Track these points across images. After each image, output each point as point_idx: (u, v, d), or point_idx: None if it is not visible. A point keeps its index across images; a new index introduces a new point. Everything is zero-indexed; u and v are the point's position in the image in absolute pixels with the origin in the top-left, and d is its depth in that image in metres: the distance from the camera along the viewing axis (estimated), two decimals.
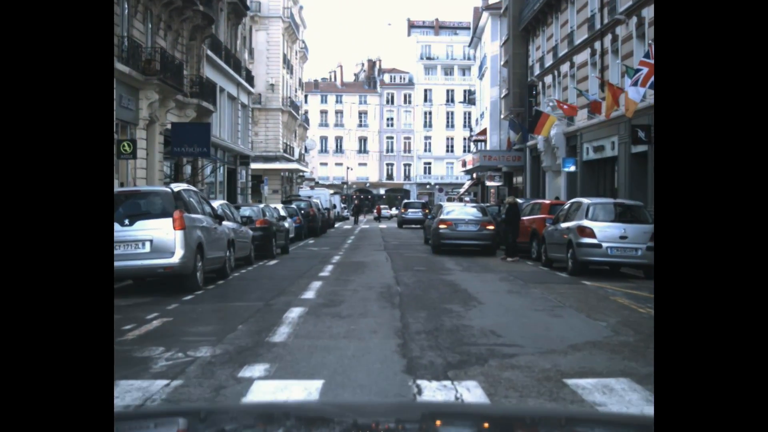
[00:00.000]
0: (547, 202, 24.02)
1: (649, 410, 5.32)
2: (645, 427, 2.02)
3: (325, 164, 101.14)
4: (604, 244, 16.58)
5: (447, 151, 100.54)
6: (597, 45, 30.95)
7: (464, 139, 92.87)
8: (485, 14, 57.93)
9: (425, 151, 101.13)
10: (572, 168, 32.62)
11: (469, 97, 76.33)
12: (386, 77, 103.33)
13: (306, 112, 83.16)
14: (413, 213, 49.33)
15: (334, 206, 59.61)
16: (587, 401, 5.79)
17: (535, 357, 7.45)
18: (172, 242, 12.84)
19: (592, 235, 16.72)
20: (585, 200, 18.41)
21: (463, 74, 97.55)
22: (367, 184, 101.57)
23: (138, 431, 2.12)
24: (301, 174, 70.96)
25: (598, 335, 8.91)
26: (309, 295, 12.71)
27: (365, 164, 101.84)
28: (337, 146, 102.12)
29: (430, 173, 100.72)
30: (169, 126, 28.40)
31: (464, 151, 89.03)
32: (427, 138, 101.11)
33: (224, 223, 16.20)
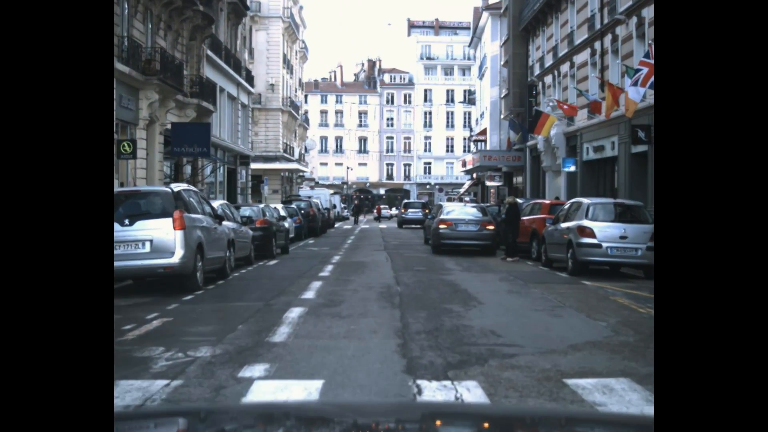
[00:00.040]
0: (547, 202, 24.02)
1: (649, 410, 5.32)
2: (645, 427, 2.02)
3: (325, 164, 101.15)
4: (604, 244, 16.58)
5: (447, 151, 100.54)
6: (597, 45, 30.95)
7: (464, 139, 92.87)
8: (485, 14, 57.94)
9: (425, 151, 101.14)
10: (572, 168, 32.62)
11: (469, 97, 76.33)
12: (386, 77, 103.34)
13: (306, 112, 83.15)
14: (413, 213, 49.32)
15: (334, 206, 59.59)
16: (587, 401, 5.79)
17: (535, 357, 7.45)
18: (172, 242, 12.84)
19: (592, 235, 16.72)
20: (585, 200, 18.41)
21: (463, 74, 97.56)
22: (367, 184, 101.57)
23: (138, 431, 2.12)
24: (301, 174, 70.95)
25: (598, 335, 8.91)
26: (309, 295, 12.71)
27: (365, 164, 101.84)
28: (337, 146, 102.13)
29: (430, 173, 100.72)
30: (169, 126, 28.40)
31: (464, 151, 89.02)
32: (427, 138, 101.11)
33: (224, 223, 16.20)
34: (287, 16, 59.90)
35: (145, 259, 12.78)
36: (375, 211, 75.43)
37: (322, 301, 11.80)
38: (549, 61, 38.98)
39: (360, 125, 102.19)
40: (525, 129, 41.01)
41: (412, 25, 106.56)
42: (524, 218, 22.76)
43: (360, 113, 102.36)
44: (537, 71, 41.64)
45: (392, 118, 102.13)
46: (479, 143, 61.45)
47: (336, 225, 54.12)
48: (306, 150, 78.00)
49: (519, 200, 28.17)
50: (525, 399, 5.90)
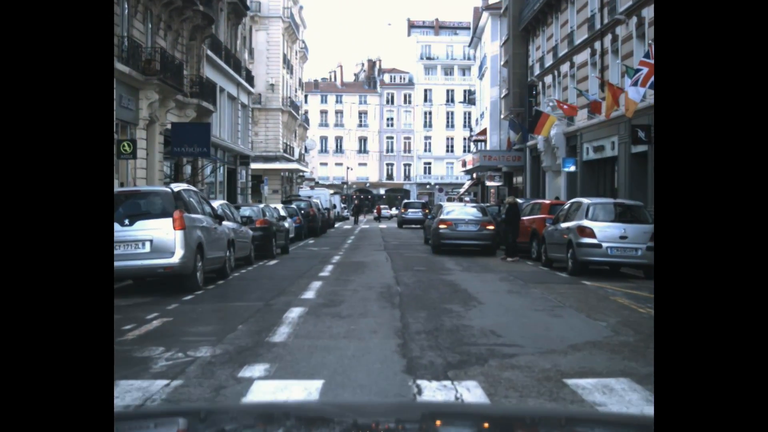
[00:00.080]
0: (547, 202, 24.02)
1: (649, 410, 5.32)
2: (645, 427, 2.02)
3: (325, 164, 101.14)
4: (604, 244, 16.58)
5: (447, 151, 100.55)
6: (597, 45, 30.95)
7: (464, 139, 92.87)
8: (485, 14, 57.94)
9: (425, 151, 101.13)
10: (572, 168, 32.61)
11: (469, 97, 76.33)
12: (386, 77, 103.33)
13: (306, 112, 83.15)
14: (413, 213, 49.30)
15: (334, 206, 59.59)
16: (587, 401, 5.79)
17: (535, 357, 7.45)
18: (172, 242, 12.84)
19: (592, 235, 16.72)
20: (585, 200, 18.40)
21: (463, 74, 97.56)
22: (367, 184, 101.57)
23: (138, 431, 2.12)
24: (301, 174, 70.95)
25: (598, 335, 8.91)
26: (309, 295, 12.71)
27: (365, 164, 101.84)
28: (337, 146, 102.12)
29: (430, 173, 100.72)
30: (169, 126, 28.40)
31: (464, 151, 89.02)
32: (427, 138, 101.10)
33: (224, 223, 16.19)
34: (287, 16, 59.90)
35: (145, 259, 12.78)
36: (375, 211, 75.42)
37: (322, 301, 11.80)
38: (549, 61, 38.98)
39: (360, 125, 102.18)
40: (525, 129, 41.00)
41: (412, 25, 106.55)
42: (524, 218, 22.76)
43: (360, 113, 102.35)
44: (537, 71, 41.63)
45: (392, 118, 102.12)
46: (479, 143, 61.46)
47: (336, 225, 54.12)
48: (306, 150, 77.98)
49: (519, 200, 28.17)
50: (525, 399, 5.89)
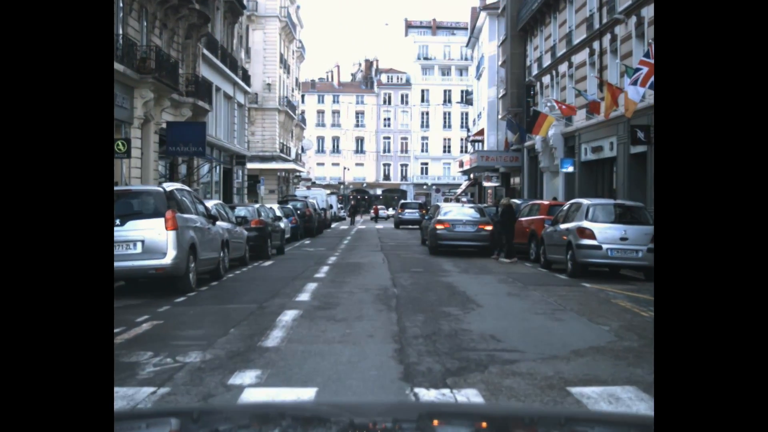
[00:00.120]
0: (546, 203, 23.79)
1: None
2: (645, 427, 2.00)
3: (322, 164, 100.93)
4: (604, 246, 16.34)
5: (444, 151, 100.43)
6: (596, 45, 30.73)
7: (461, 139, 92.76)
8: (483, 14, 57.71)
9: (422, 151, 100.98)
10: (570, 169, 32.40)
11: (467, 98, 76.14)
12: (383, 77, 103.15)
13: (303, 111, 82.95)
14: (410, 213, 49.09)
15: (331, 206, 59.42)
16: (593, 411, 5.53)
17: (536, 363, 7.20)
18: (164, 243, 12.58)
19: (591, 236, 16.48)
20: (585, 201, 18.16)
21: (461, 74, 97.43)
22: (364, 185, 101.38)
23: (131, 431, 2.06)
24: (297, 174, 70.74)
25: (601, 340, 8.66)
26: (304, 297, 12.45)
27: (362, 164, 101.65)
28: (333, 146, 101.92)
29: (427, 174, 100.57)
30: (164, 125, 28.17)
31: (461, 151, 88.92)
32: (424, 138, 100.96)
33: (218, 223, 15.94)
34: (284, 15, 59.69)
35: (137, 259, 12.51)
36: (372, 211, 75.16)
37: (317, 304, 11.54)
38: (547, 61, 38.77)
39: (357, 125, 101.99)
40: (523, 129, 40.81)
41: (409, 25, 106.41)
42: (522, 219, 22.55)
43: (357, 113, 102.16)
44: (535, 71, 41.43)
45: (389, 119, 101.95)
46: (476, 144, 61.25)
47: (332, 225, 53.89)
48: (303, 150, 77.79)
49: (516, 201, 27.97)
50: None
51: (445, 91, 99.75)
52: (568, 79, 35.04)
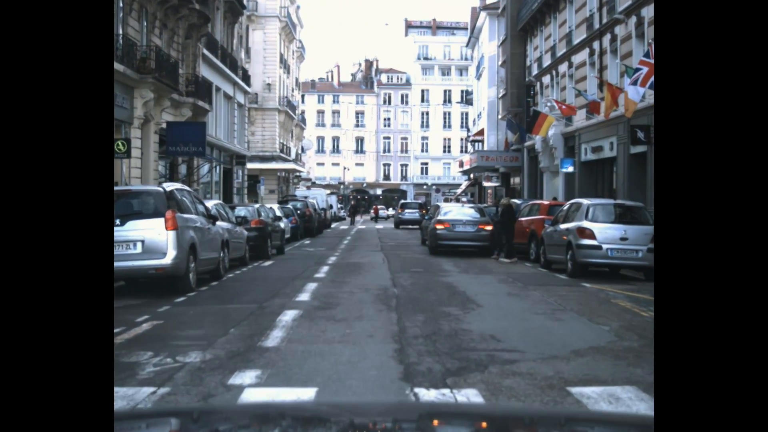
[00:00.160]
0: (546, 203, 23.78)
1: None
2: (645, 426, 2.00)
3: (322, 164, 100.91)
4: (604, 246, 16.34)
5: (444, 151, 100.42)
6: (596, 45, 30.72)
7: (461, 139, 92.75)
8: (483, 14, 57.69)
9: (422, 151, 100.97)
10: (570, 169, 32.39)
11: (467, 98, 76.12)
12: (383, 77, 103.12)
13: (303, 112, 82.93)
14: (410, 213, 49.06)
15: (331, 206, 59.39)
16: (593, 411, 5.53)
17: (536, 363, 7.20)
18: (164, 243, 12.57)
19: (591, 236, 16.47)
20: (585, 201, 18.15)
21: (461, 74, 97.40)
22: (364, 185, 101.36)
23: (131, 431, 2.06)
24: (297, 174, 70.71)
25: (601, 340, 8.66)
26: (304, 297, 12.44)
27: (362, 164, 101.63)
28: (333, 146, 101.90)
29: (427, 174, 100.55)
30: (164, 125, 28.15)
31: (461, 151, 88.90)
32: (424, 138, 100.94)
33: (218, 223, 15.93)
34: (284, 15, 59.67)
35: (137, 259, 12.50)
36: (372, 211, 75.14)
37: (317, 304, 11.54)
38: (547, 61, 38.76)
39: (357, 125, 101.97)
40: (523, 129, 40.78)
41: (409, 25, 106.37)
42: (522, 219, 22.54)
43: (357, 113, 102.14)
44: (535, 71, 41.42)
45: (389, 119, 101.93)
46: (476, 144, 61.24)
47: (332, 225, 53.88)
48: (303, 150, 77.77)
49: (517, 201, 27.96)
50: None
51: (445, 91, 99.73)
52: (568, 79, 35.03)
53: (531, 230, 21.31)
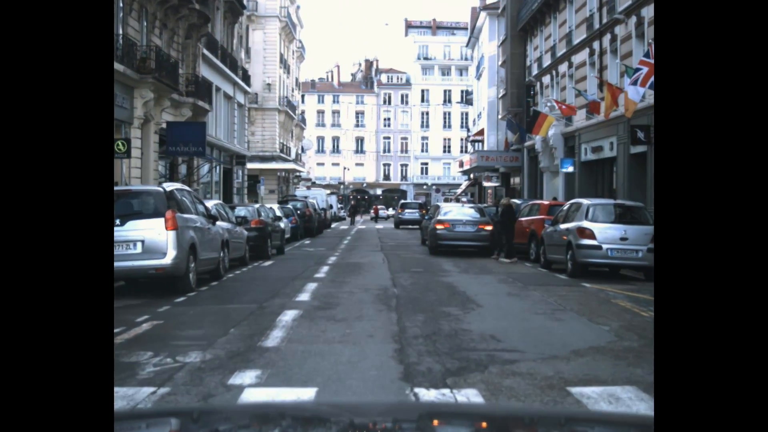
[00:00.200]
0: (546, 203, 23.77)
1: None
2: (645, 426, 2.00)
3: (322, 164, 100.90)
4: (604, 246, 16.33)
5: (444, 151, 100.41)
6: (596, 45, 30.72)
7: (461, 139, 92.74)
8: (483, 14, 57.70)
9: (422, 151, 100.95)
10: (570, 169, 32.38)
11: (467, 98, 76.12)
12: (383, 77, 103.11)
13: (303, 112, 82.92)
14: (410, 213, 49.05)
15: (331, 206, 59.38)
16: (593, 411, 5.53)
17: (536, 363, 7.20)
18: (164, 243, 12.57)
19: (591, 236, 16.47)
20: (585, 201, 18.15)
21: (461, 74, 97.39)
22: (364, 185, 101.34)
23: (131, 431, 2.06)
24: (297, 174, 70.70)
25: (601, 340, 8.66)
26: (304, 297, 12.44)
27: (362, 164, 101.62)
28: (333, 146, 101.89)
29: (427, 174, 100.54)
30: (164, 125, 28.15)
31: (461, 151, 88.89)
32: (424, 138, 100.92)
33: (218, 223, 15.93)
34: (284, 15, 59.67)
35: (137, 259, 12.50)
36: (372, 211, 75.15)
37: (317, 304, 11.54)
38: (547, 61, 38.75)
39: (357, 125, 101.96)
40: (523, 129, 40.78)
41: (409, 25, 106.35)
42: (522, 219, 22.54)
43: (357, 113, 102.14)
44: (535, 71, 41.41)
45: (389, 119, 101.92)
46: (476, 144, 61.24)
47: (332, 225, 53.87)
48: (303, 150, 77.76)
49: (517, 201, 27.95)
50: None
51: (445, 91, 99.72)
52: (568, 79, 35.02)
53: (531, 230, 21.31)
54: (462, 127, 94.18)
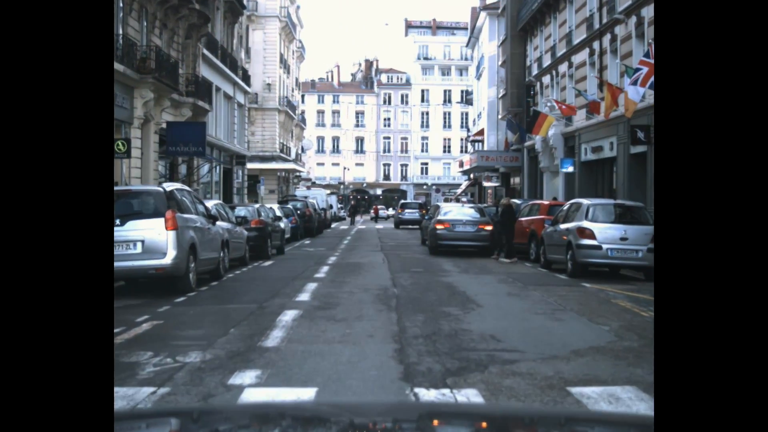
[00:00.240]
0: (546, 202, 23.77)
1: None
2: (645, 426, 2.00)
3: (322, 164, 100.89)
4: (605, 246, 16.33)
5: (444, 151, 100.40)
6: (596, 45, 30.72)
7: (461, 139, 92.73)
8: (483, 14, 57.69)
9: (422, 151, 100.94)
10: (570, 169, 32.38)
11: (466, 98, 76.11)
12: (383, 77, 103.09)
13: (303, 112, 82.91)
14: (410, 213, 49.03)
15: (331, 206, 59.37)
16: (593, 411, 5.53)
17: (536, 363, 7.19)
18: (164, 243, 12.57)
19: (592, 236, 16.47)
20: (585, 201, 18.15)
21: (461, 74, 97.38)
22: (364, 185, 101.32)
23: (131, 431, 2.05)
24: (297, 174, 70.69)
25: (601, 340, 8.65)
26: (304, 297, 12.44)
27: (362, 164, 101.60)
28: (333, 146, 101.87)
29: (427, 174, 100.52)
30: (164, 125, 28.13)
31: (461, 151, 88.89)
32: (424, 138, 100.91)
33: (218, 223, 15.92)
34: (284, 15, 59.66)
35: (137, 259, 12.49)
36: (372, 211, 75.15)
37: (317, 304, 11.54)
38: (547, 61, 38.75)
39: (357, 125, 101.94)
40: (523, 129, 40.77)
41: (409, 25, 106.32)
42: (522, 219, 22.53)
43: (357, 113, 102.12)
44: (535, 71, 41.41)
45: (389, 119, 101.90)
46: (476, 144, 61.24)
47: (332, 225, 53.86)
48: (303, 150, 77.75)
49: (517, 201, 27.94)
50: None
51: (445, 91, 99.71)
52: (568, 79, 35.02)
53: (531, 230, 21.31)
54: (462, 127, 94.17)
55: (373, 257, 22.55)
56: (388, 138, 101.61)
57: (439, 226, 23.72)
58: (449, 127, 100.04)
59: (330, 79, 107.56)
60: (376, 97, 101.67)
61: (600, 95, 28.04)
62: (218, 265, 15.49)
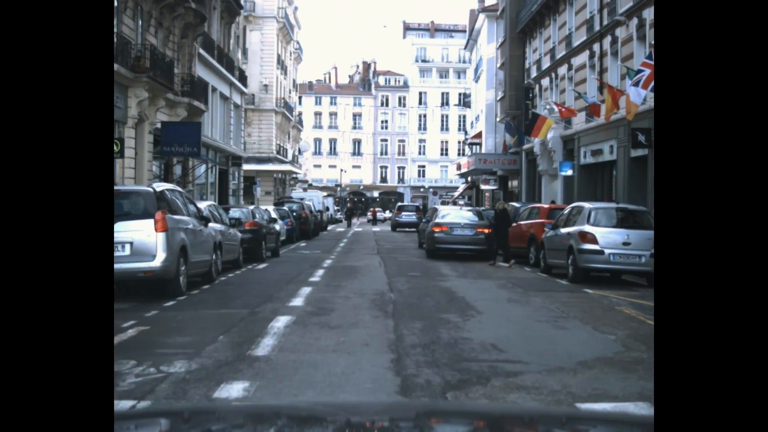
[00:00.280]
0: (546, 206, 23.40)
1: None
2: (645, 426, 1.98)
3: (319, 166, 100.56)
4: (607, 251, 15.94)
5: (441, 154, 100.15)
6: (596, 47, 30.37)
7: (459, 142, 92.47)
8: (481, 16, 57.41)
9: (420, 153, 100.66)
10: (569, 172, 32.05)
11: (464, 100, 75.84)
12: (381, 79, 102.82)
13: (300, 113, 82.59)
14: (407, 216, 48.69)
15: (327, 209, 59.00)
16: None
17: (541, 376, 6.80)
18: (153, 245, 12.16)
19: (593, 241, 16.08)
20: (586, 205, 17.75)
21: (459, 77, 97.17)
22: (361, 187, 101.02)
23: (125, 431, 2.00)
24: (294, 176, 70.34)
25: (608, 350, 8.26)
26: (297, 302, 12.03)
27: (359, 167, 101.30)
28: (330, 148, 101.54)
29: (424, 176, 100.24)
30: (158, 125, 27.78)
31: (459, 154, 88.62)
32: (421, 141, 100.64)
33: (211, 225, 15.52)
34: (282, 16, 59.33)
35: (125, 262, 12.07)
36: (370, 213, 74.77)
37: (311, 309, 11.13)
38: (546, 64, 38.41)
39: (354, 127, 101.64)
40: (521, 132, 40.45)
41: (407, 28, 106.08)
42: (522, 222, 22.17)
43: (354, 115, 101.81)
44: (534, 74, 41.08)
45: (387, 121, 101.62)
46: (474, 146, 60.93)
47: (329, 228, 53.49)
48: (299, 152, 77.41)
49: (515, 204, 27.58)
50: None
51: (442, 94, 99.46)
52: (567, 82, 34.68)
53: (530, 234, 20.92)
54: (460, 129, 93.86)
55: (370, 260, 22.16)
56: (386, 140, 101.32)
57: (436, 229, 23.36)
58: (447, 129, 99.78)
59: (327, 81, 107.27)
60: (374, 99, 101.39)
61: (600, 98, 27.69)
62: (210, 268, 15.09)
